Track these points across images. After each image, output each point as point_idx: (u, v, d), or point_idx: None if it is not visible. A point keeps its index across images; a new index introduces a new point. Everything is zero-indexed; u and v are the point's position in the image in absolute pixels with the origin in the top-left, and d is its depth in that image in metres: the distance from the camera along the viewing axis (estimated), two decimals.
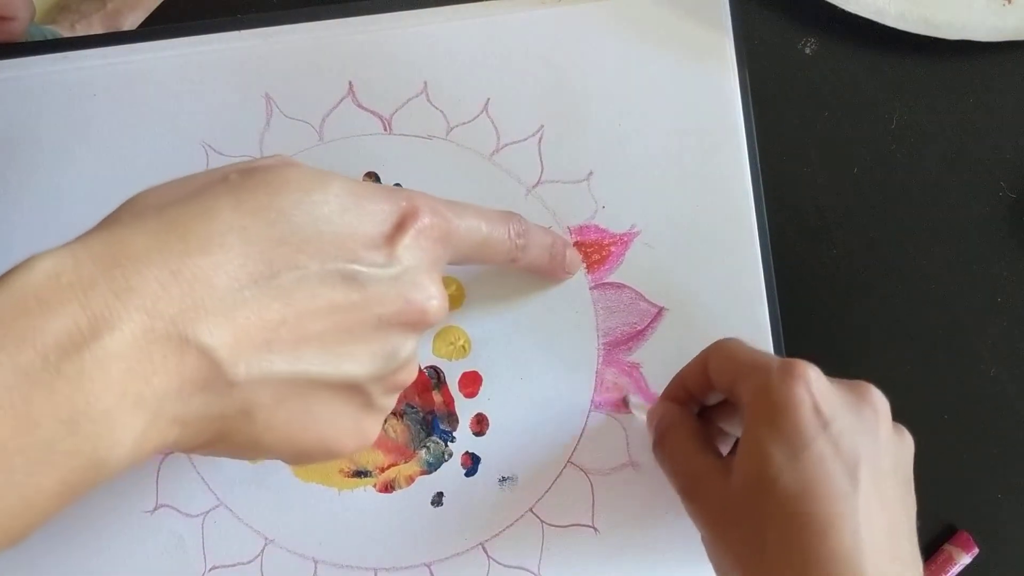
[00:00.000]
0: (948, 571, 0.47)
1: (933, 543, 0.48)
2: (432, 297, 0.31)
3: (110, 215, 0.29)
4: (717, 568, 0.37)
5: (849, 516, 0.33)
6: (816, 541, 0.32)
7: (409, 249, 0.31)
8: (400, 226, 0.31)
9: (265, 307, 0.27)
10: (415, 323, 0.31)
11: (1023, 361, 0.48)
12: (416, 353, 0.33)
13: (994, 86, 0.48)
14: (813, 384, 0.34)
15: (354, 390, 0.31)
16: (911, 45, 0.48)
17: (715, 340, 0.40)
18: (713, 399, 0.40)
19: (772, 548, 0.33)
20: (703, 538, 0.38)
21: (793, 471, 0.33)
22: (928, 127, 0.48)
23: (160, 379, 0.25)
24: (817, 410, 0.34)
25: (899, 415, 0.37)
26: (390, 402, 0.33)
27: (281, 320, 0.28)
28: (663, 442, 0.40)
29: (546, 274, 0.44)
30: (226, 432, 0.28)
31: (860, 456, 0.34)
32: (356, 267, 0.29)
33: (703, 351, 0.39)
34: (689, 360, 0.41)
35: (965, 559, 0.47)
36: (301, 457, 0.31)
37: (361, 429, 0.32)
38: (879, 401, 0.36)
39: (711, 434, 0.40)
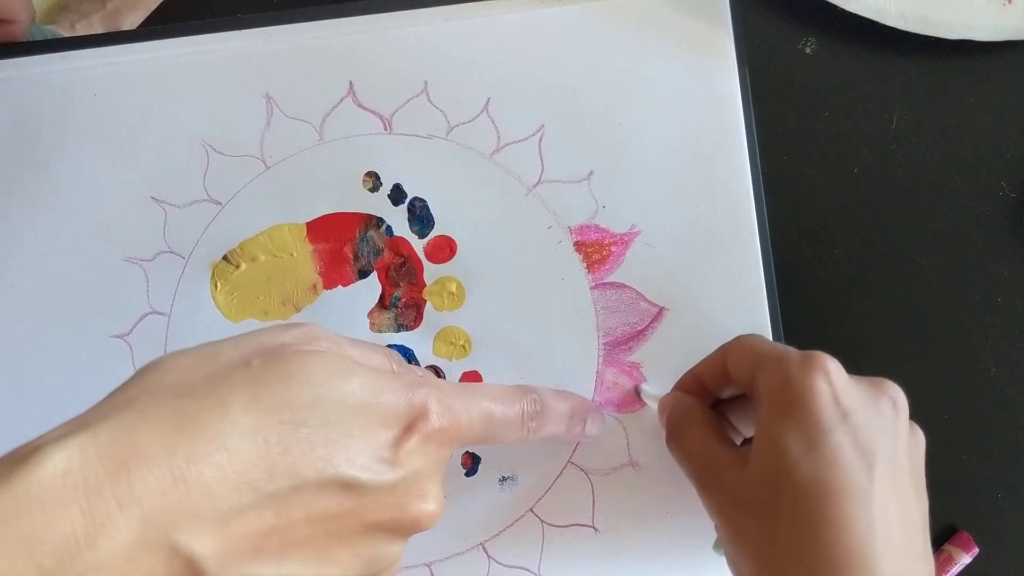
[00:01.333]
0: (948, 571, 0.47)
1: (933, 543, 0.48)
2: (428, 502, 0.31)
3: (127, 388, 0.28)
4: (731, 560, 0.37)
5: (864, 511, 0.32)
6: (829, 537, 0.32)
7: (414, 454, 0.30)
8: (408, 428, 0.31)
9: (259, 516, 0.27)
10: (405, 529, 0.31)
11: (1023, 361, 0.48)
12: (401, 555, 0.32)
13: (994, 86, 0.48)
14: (833, 375, 0.34)
15: None
16: (911, 45, 0.48)
17: (719, 339, 0.40)
18: (726, 393, 0.40)
19: (784, 542, 0.33)
20: (717, 528, 0.38)
21: (809, 463, 0.33)
22: (928, 127, 0.48)
23: None
24: (836, 401, 0.34)
25: None
26: None
27: (272, 528, 0.28)
28: (677, 433, 0.40)
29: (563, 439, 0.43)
30: None
31: (877, 450, 0.34)
32: (356, 475, 0.29)
33: (722, 345, 0.40)
34: (691, 359, 0.41)
35: (965, 559, 0.47)
36: None
37: None
38: (898, 396, 0.36)
39: (724, 427, 0.40)
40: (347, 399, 0.29)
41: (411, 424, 0.31)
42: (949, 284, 0.48)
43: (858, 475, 0.33)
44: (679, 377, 0.42)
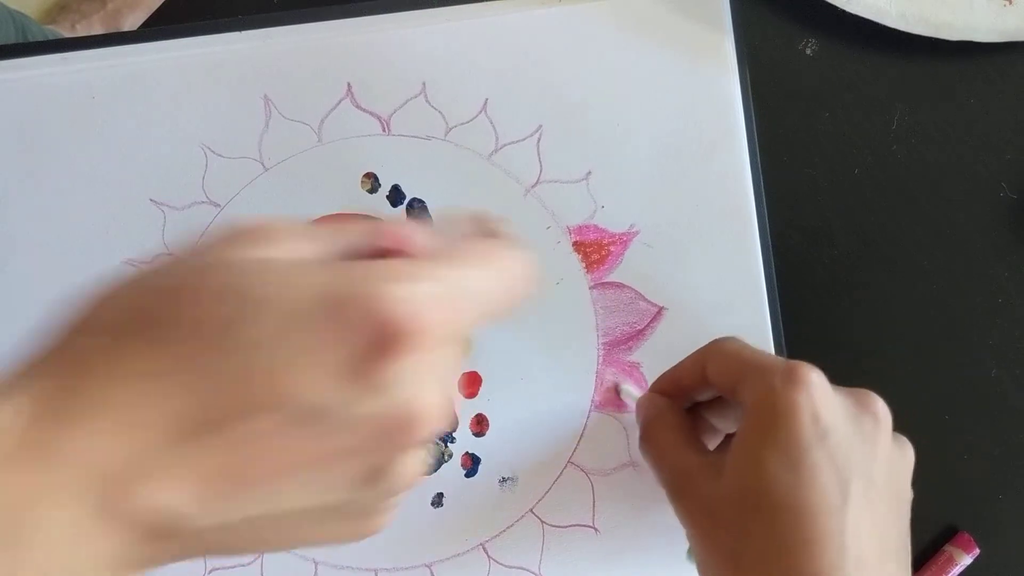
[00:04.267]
0: (949, 572, 0.47)
1: (934, 544, 0.48)
2: (427, 417, 0.25)
3: (66, 330, 0.25)
4: (702, 567, 0.37)
5: (836, 533, 0.33)
6: (800, 559, 0.32)
7: (388, 371, 0.24)
8: (372, 343, 0.24)
9: (218, 455, 0.24)
10: (403, 445, 0.26)
11: (1023, 361, 0.48)
12: (415, 462, 0.27)
13: (995, 87, 0.48)
14: (815, 391, 0.34)
15: (342, 510, 0.27)
16: (912, 46, 0.48)
17: (712, 339, 0.40)
18: (705, 396, 0.40)
19: (753, 557, 0.33)
20: (688, 536, 0.38)
21: (786, 482, 0.33)
22: (929, 127, 0.48)
23: (106, 543, 0.23)
24: (816, 419, 0.34)
25: (898, 417, 0.37)
26: (393, 503, 0.29)
27: (239, 466, 0.24)
28: (650, 437, 0.40)
29: None
30: (212, 552, 0.27)
31: (854, 469, 0.34)
32: (315, 402, 0.24)
33: (700, 349, 0.39)
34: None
35: (966, 560, 0.47)
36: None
37: (360, 531, 0.28)
38: (881, 411, 0.36)
39: (700, 429, 0.40)
40: (280, 313, 0.24)
41: (373, 336, 0.24)
42: (949, 284, 0.48)
43: (832, 496, 0.33)
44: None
